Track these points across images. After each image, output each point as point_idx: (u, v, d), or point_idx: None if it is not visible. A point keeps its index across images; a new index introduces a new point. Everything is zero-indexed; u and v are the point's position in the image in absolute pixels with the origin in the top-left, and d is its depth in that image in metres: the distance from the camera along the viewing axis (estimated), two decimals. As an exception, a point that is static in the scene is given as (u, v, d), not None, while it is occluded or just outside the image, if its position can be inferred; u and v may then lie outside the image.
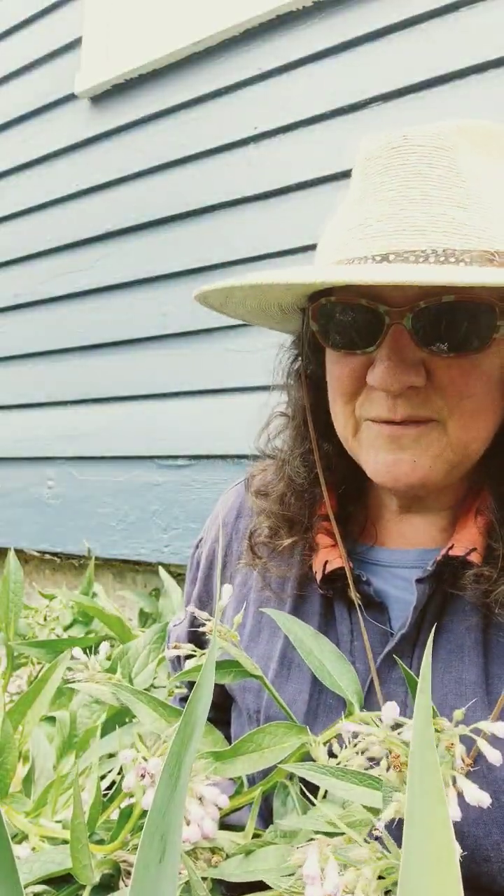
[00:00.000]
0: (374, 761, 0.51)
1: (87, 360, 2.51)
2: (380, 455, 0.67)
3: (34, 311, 2.71)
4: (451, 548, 0.68)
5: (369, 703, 0.68)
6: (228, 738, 0.84)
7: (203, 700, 0.42)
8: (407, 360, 0.62)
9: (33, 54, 2.70)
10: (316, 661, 0.62)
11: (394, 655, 0.69)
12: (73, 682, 0.68)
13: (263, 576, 0.80)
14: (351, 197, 0.67)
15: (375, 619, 0.72)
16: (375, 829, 0.46)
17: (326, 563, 0.73)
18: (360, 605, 0.72)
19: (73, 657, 0.69)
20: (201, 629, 0.63)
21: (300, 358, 0.80)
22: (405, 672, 0.55)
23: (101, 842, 0.59)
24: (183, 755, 0.39)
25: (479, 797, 0.46)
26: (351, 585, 0.72)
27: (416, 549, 0.75)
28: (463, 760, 0.47)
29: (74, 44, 2.55)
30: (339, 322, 0.66)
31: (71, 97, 2.55)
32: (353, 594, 0.72)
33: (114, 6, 2.47)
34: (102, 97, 2.47)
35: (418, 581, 0.69)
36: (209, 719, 0.85)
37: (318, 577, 0.74)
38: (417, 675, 0.38)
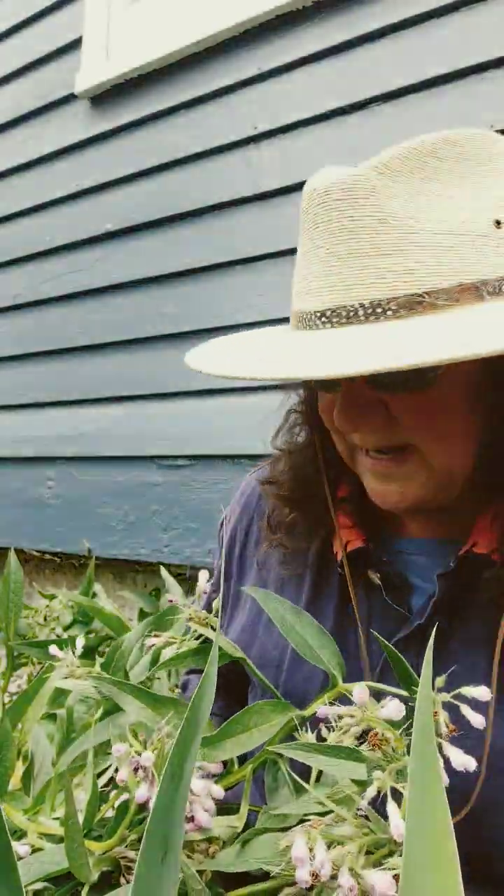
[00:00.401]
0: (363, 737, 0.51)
1: (87, 360, 2.51)
2: (370, 483, 0.71)
3: (34, 311, 2.71)
4: (474, 545, 0.69)
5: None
6: None
7: (206, 698, 0.42)
8: (360, 402, 0.65)
9: (33, 54, 2.71)
10: (297, 636, 0.62)
11: (390, 655, 0.69)
12: (47, 677, 0.67)
13: (283, 556, 0.82)
14: (300, 242, 0.69)
15: (394, 602, 0.74)
16: (360, 809, 0.47)
17: (347, 543, 0.76)
18: (374, 585, 0.75)
19: (50, 654, 0.68)
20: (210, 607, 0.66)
21: None
22: (394, 661, 0.55)
23: (99, 838, 0.58)
24: (185, 755, 0.39)
25: (465, 761, 0.47)
26: (347, 575, 0.74)
27: (436, 539, 0.77)
28: (447, 726, 0.48)
29: (74, 44, 2.55)
30: None
31: (71, 97, 2.56)
32: (372, 575, 0.75)
33: (114, 6, 2.47)
34: (102, 97, 2.47)
35: (439, 576, 0.70)
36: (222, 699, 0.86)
37: (339, 556, 0.76)
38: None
